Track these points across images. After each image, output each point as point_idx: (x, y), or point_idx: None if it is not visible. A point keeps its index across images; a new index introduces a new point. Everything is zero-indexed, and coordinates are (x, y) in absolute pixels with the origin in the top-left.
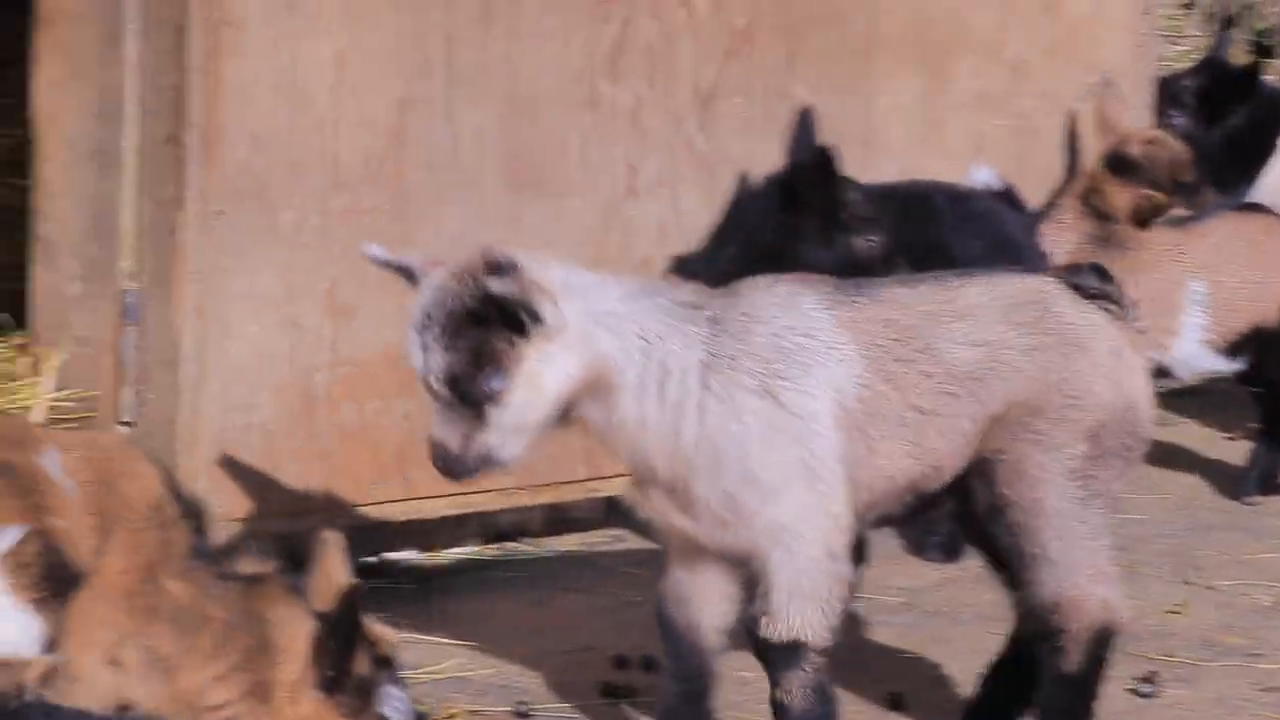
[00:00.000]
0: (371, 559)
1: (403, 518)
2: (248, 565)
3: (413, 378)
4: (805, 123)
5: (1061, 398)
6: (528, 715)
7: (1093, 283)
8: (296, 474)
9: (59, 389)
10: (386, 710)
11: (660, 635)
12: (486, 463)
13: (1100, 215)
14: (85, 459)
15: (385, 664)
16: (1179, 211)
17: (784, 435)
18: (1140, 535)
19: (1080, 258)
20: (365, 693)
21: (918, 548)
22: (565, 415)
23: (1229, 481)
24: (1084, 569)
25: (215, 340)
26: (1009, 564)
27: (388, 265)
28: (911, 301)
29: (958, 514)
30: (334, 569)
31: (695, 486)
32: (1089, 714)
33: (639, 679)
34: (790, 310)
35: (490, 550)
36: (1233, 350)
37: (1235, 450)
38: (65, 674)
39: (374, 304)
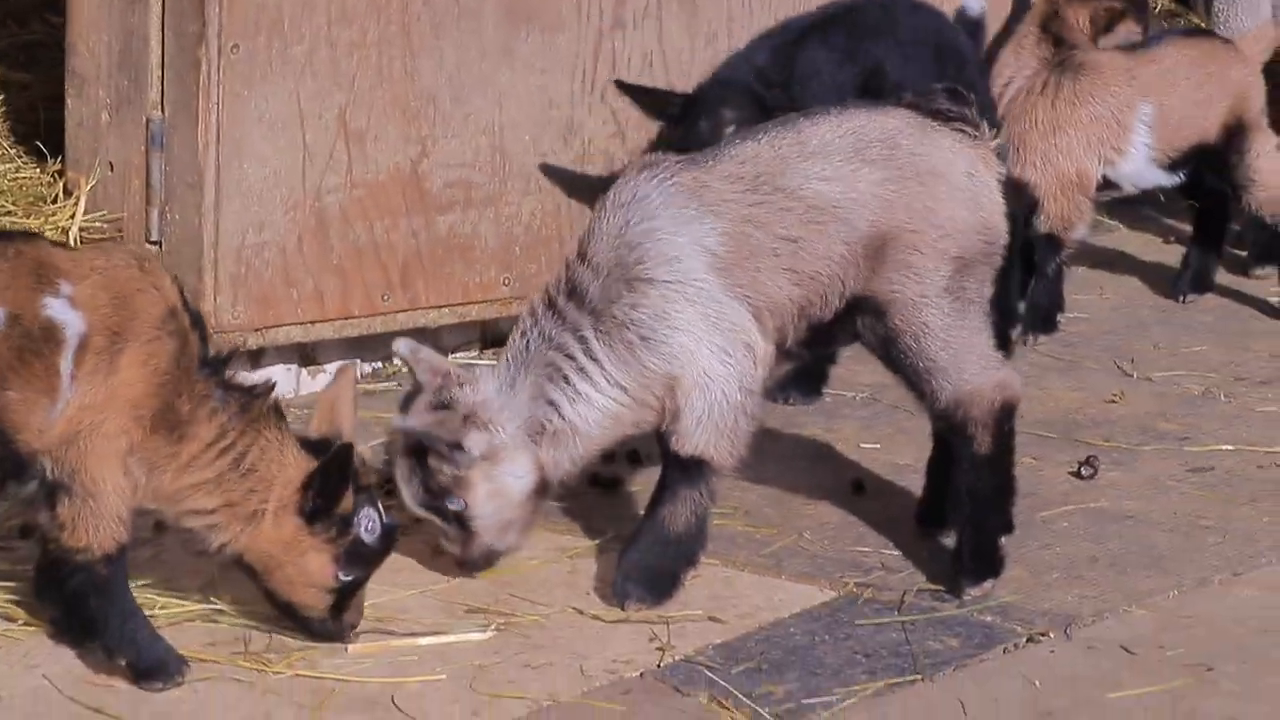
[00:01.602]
0: (379, 364)
1: (410, 326)
2: (248, 378)
3: (419, 197)
4: None
5: (929, 227)
6: None
7: (946, 105)
8: (311, 287)
9: (91, 211)
10: (360, 531)
11: None
12: (491, 558)
13: (1058, 41)
14: (101, 282)
15: (363, 490)
16: (1132, 32)
17: (676, 306)
18: (1083, 333)
19: (1038, 82)
20: (345, 525)
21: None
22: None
23: (1165, 282)
24: (974, 365)
25: (233, 164)
26: (911, 382)
27: (409, 367)
28: (759, 151)
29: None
30: (342, 402)
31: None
32: (1010, 485)
33: (624, 470)
34: (634, 208)
35: (489, 355)
36: (1175, 166)
37: (1171, 254)
38: (84, 488)
39: (383, 129)
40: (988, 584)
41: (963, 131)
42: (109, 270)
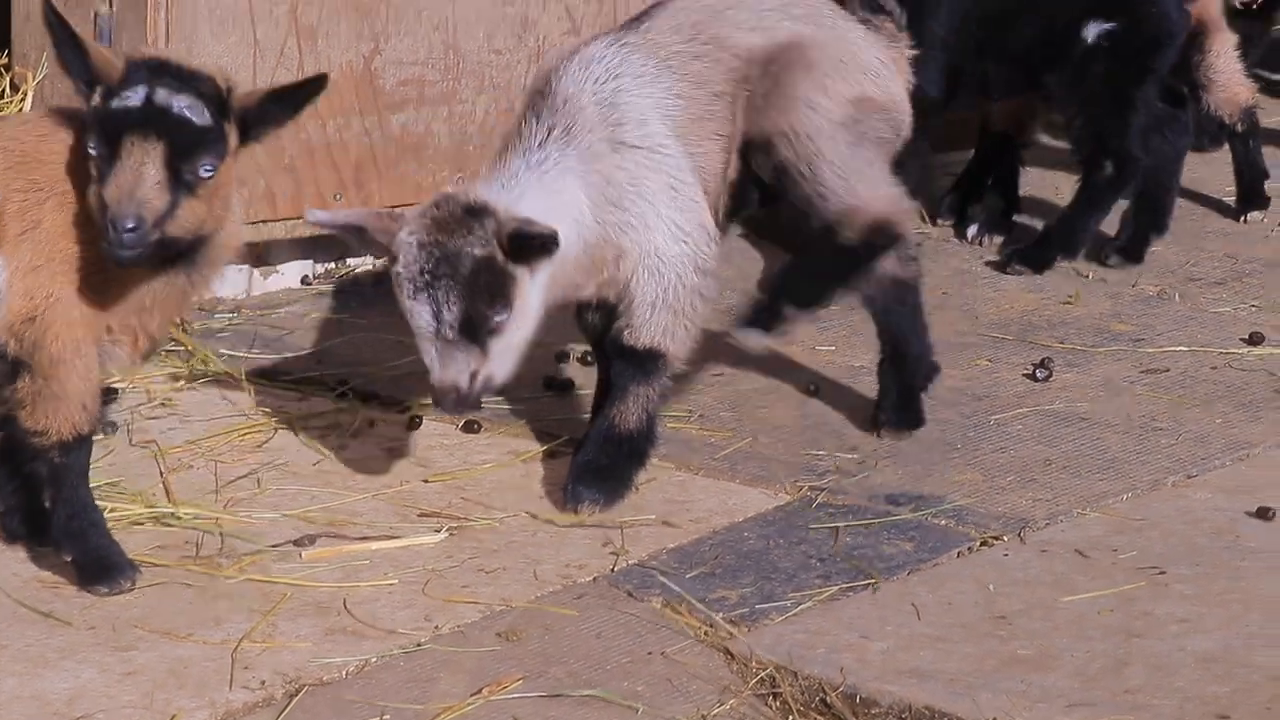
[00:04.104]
0: (331, 264)
1: None
2: None
3: (371, 95)
4: None
5: (831, 61)
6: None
7: (862, 13)
8: (263, 187)
9: (38, 106)
10: None
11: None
12: (488, 391)
13: None
14: (7, 144)
15: None
16: None
17: (646, 169)
18: (1037, 231)
19: None
20: None
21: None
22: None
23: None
24: (862, 192)
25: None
26: (805, 211)
27: (334, 227)
28: (698, 5)
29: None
30: None
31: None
32: (838, 282)
33: (578, 372)
34: (591, 67)
35: None
36: None
37: None
38: (42, 368)
39: (335, 26)
40: (753, 334)
41: (886, 30)
42: (12, 135)
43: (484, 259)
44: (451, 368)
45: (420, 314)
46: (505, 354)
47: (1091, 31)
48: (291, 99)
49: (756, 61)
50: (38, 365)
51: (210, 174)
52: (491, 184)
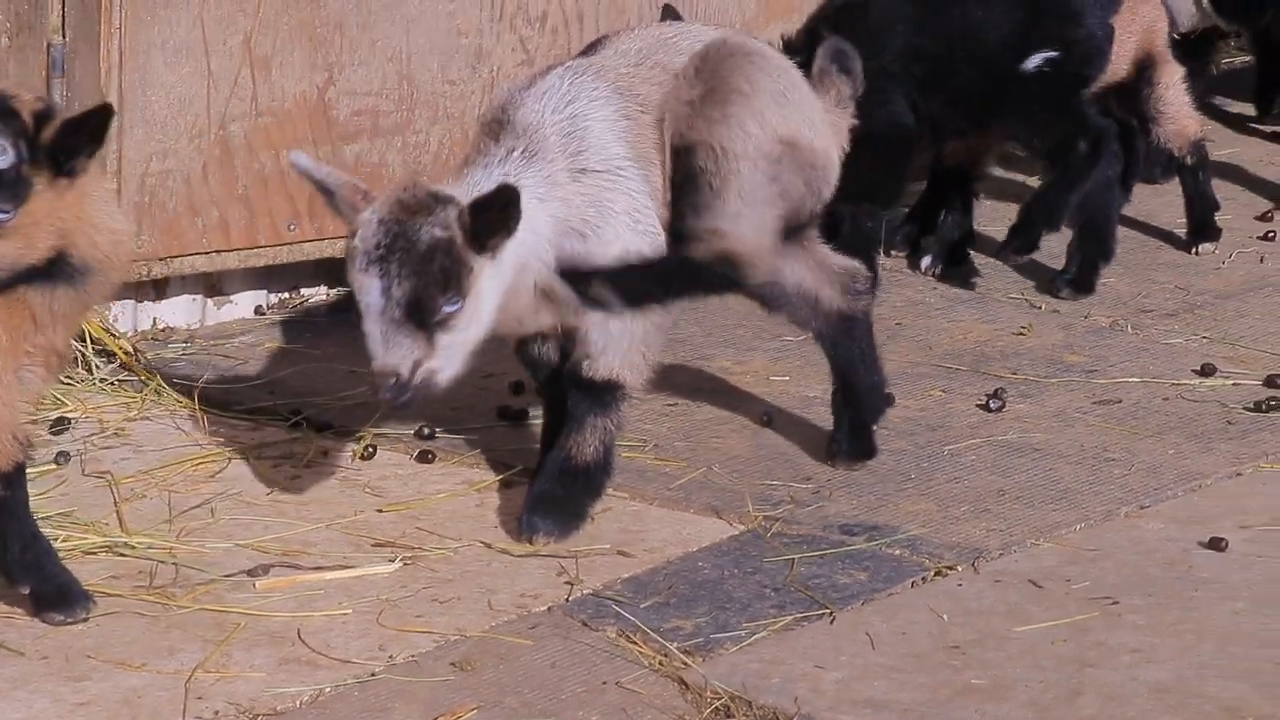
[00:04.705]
0: (286, 294)
1: (316, 256)
2: None
3: (326, 125)
4: None
5: (772, 92)
6: (431, 436)
7: (832, 60)
8: (216, 216)
9: None
10: None
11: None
12: (429, 388)
13: None
14: None
15: None
16: None
17: (608, 191)
18: (991, 265)
19: None
20: None
21: None
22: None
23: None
24: (741, 226)
25: (137, 91)
26: (680, 218)
27: (310, 177)
28: (638, 34)
29: None
30: None
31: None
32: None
33: (534, 402)
34: (547, 97)
35: None
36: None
37: None
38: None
39: (289, 56)
40: None
41: (840, 89)
42: None
43: (443, 240)
44: (395, 352)
45: (369, 289)
46: (451, 351)
47: (1032, 62)
48: (90, 129)
49: (689, 66)
50: None
51: (7, 216)
52: (456, 187)
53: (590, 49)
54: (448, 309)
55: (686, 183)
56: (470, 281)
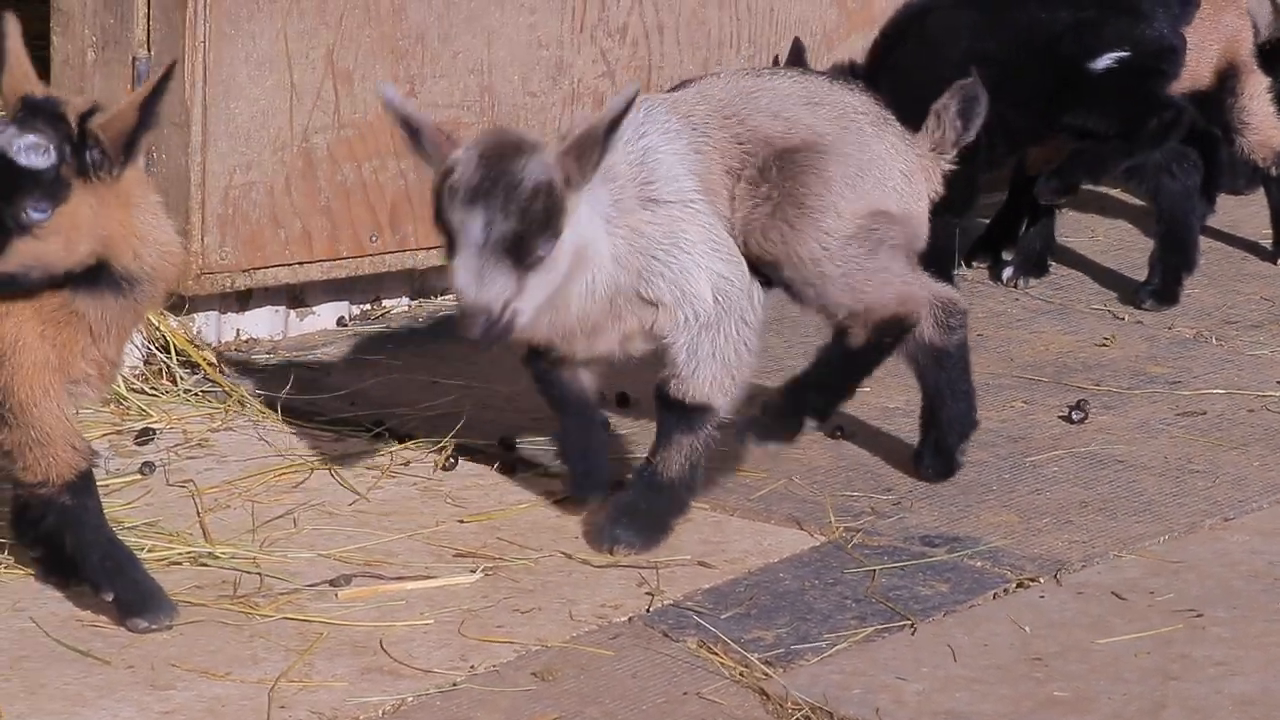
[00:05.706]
0: (367, 305)
1: (398, 267)
2: None
3: None
4: None
5: (848, 176)
6: (513, 447)
7: (958, 102)
8: (299, 228)
9: None
10: None
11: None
12: (513, 329)
13: None
14: None
15: None
16: None
17: (682, 222)
18: (1074, 276)
19: None
20: None
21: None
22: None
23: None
24: (870, 296)
25: (220, 104)
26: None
27: (397, 112)
28: (727, 84)
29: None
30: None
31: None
32: (852, 383)
33: (613, 414)
34: (634, 124)
35: None
36: None
37: None
38: (16, 415)
39: (371, 69)
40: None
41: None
42: None
43: (545, 183)
44: (489, 289)
45: (471, 223)
46: (536, 293)
47: (1102, 63)
48: (152, 104)
49: (770, 153)
50: (9, 413)
51: (44, 216)
52: None
53: (671, 89)
54: (542, 251)
55: (789, 290)
56: (564, 224)
